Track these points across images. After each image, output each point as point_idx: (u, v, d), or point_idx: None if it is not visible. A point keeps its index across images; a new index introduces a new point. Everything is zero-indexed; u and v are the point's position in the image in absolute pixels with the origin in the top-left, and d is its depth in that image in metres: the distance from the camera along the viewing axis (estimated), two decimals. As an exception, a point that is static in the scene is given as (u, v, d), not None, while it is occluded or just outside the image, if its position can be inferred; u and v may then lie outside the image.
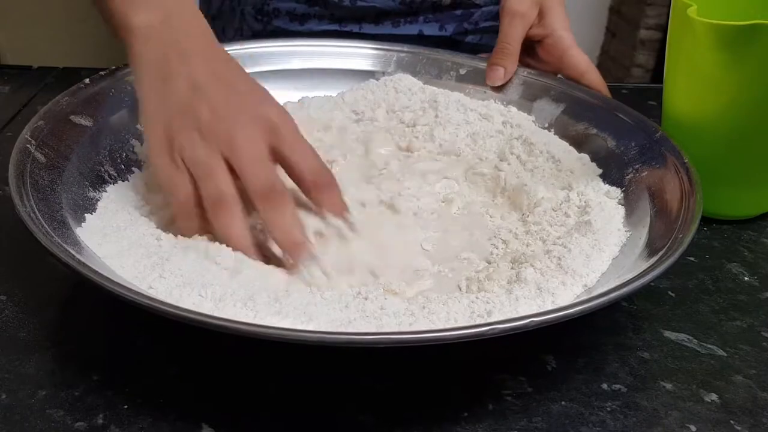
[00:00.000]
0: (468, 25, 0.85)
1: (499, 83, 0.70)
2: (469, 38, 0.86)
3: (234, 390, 0.45)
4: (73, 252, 0.44)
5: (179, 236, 0.50)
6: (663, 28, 2.06)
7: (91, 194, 0.55)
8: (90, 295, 0.51)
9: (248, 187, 0.47)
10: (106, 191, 0.57)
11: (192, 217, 0.49)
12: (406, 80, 0.72)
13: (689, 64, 0.60)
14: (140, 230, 0.53)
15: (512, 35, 0.71)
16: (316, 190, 0.49)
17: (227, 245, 0.47)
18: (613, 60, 2.27)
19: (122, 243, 0.51)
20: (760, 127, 0.59)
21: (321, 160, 0.50)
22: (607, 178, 0.61)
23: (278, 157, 0.49)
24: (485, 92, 0.72)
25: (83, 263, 0.43)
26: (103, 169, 0.58)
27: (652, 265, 0.45)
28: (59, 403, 0.43)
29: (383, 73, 0.73)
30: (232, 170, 0.47)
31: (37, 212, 0.47)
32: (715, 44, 0.56)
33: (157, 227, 0.51)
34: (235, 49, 0.71)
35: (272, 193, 0.47)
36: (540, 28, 0.72)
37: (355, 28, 0.82)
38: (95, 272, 0.43)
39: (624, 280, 0.45)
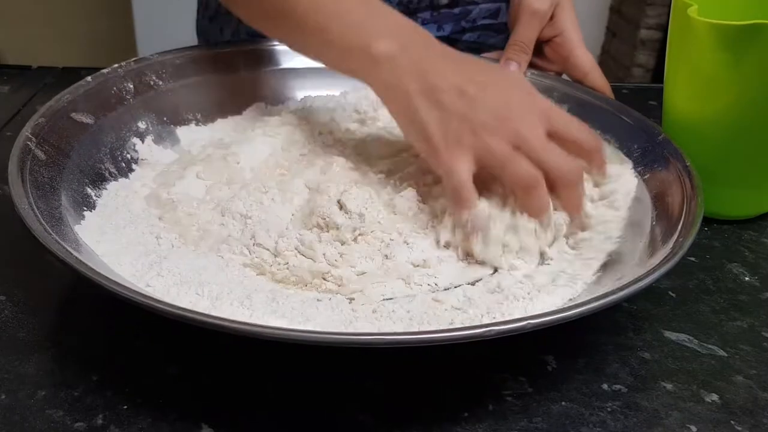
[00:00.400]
0: (466, 23, 0.85)
1: None
2: (467, 36, 0.86)
3: (233, 390, 0.45)
4: (71, 250, 0.44)
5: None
6: (663, 28, 2.06)
7: (91, 192, 0.55)
8: (89, 294, 0.51)
9: (551, 174, 0.51)
10: (106, 189, 0.57)
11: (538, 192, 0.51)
12: None
13: (689, 64, 0.60)
14: (139, 228, 0.53)
15: (528, 34, 0.71)
16: (594, 153, 0.55)
17: (538, 219, 0.51)
18: (613, 60, 2.27)
19: (121, 241, 0.51)
20: (760, 127, 0.59)
21: (589, 129, 0.57)
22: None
23: (556, 137, 0.53)
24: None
25: (81, 261, 0.43)
26: (103, 167, 0.58)
27: (653, 268, 0.45)
28: (59, 403, 0.43)
29: None
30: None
31: (36, 210, 0.47)
32: (716, 44, 0.56)
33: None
34: (237, 49, 0.71)
35: (572, 174, 0.52)
36: (550, 28, 0.72)
37: None
38: (92, 270, 0.42)
39: (624, 282, 0.45)
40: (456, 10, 0.84)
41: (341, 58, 0.57)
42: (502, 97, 0.53)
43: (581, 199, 0.53)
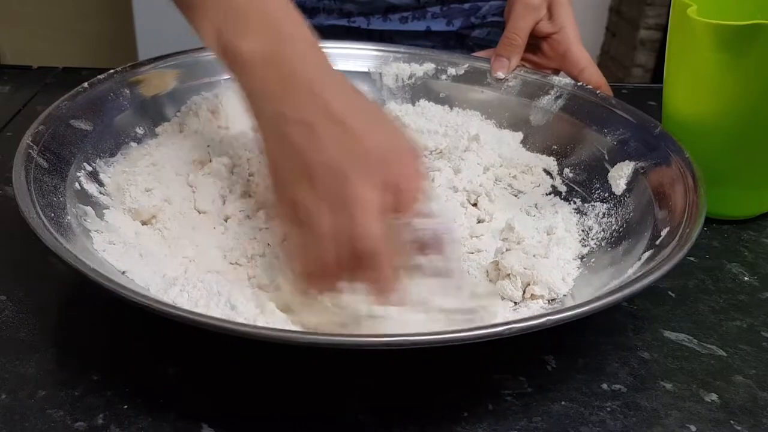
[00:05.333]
0: (475, 19, 0.85)
1: (503, 75, 0.71)
2: (476, 32, 0.86)
3: (234, 390, 0.45)
4: (77, 253, 0.44)
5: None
6: (663, 28, 2.06)
7: (94, 198, 0.55)
8: (90, 295, 0.51)
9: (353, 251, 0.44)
10: (107, 194, 0.57)
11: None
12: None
13: (689, 64, 0.60)
14: (141, 234, 0.53)
15: (521, 27, 0.72)
16: (434, 249, 0.46)
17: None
18: (613, 60, 2.27)
19: (126, 248, 0.51)
20: (760, 127, 0.59)
21: (439, 224, 0.46)
22: (607, 175, 0.61)
23: (394, 214, 0.45)
24: (482, 92, 0.72)
25: (86, 264, 0.43)
26: (104, 173, 0.58)
27: (663, 260, 0.45)
28: (59, 403, 0.43)
29: (380, 75, 0.73)
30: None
31: (41, 214, 0.47)
32: (715, 44, 0.56)
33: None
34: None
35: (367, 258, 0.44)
36: (549, 25, 0.73)
37: (363, 24, 0.83)
38: (100, 274, 0.42)
39: (634, 276, 0.45)
40: (466, 6, 0.84)
41: (209, 39, 0.50)
42: (350, 142, 0.44)
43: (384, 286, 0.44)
